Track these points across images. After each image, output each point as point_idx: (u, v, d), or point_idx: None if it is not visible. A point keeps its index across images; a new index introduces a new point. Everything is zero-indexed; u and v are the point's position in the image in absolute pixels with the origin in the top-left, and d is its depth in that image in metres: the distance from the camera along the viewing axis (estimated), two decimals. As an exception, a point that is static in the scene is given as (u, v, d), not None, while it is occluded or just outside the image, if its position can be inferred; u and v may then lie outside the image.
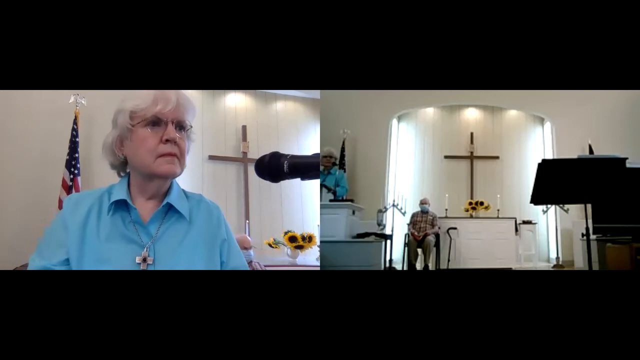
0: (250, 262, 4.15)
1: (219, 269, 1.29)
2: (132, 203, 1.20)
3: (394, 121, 6.68)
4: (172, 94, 1.18)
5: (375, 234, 4.41)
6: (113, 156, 1.22)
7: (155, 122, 1.16)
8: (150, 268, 1.17)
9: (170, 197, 1.24)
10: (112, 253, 1.16)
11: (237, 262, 1.34)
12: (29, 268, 1.16)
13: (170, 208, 1.24)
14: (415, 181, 6.69)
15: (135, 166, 1.21)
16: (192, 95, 6.14)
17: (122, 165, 1.25)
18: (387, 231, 5.18)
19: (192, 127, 1.23)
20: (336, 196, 4.33)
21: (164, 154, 1.16)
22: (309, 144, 6.08)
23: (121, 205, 1.20)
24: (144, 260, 1.16)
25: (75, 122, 4.19)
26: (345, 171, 5.84)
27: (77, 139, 4.17)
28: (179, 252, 1.21)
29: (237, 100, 5.98)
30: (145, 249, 1.17)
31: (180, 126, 1.19)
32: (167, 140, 1.16)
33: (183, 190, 1.32)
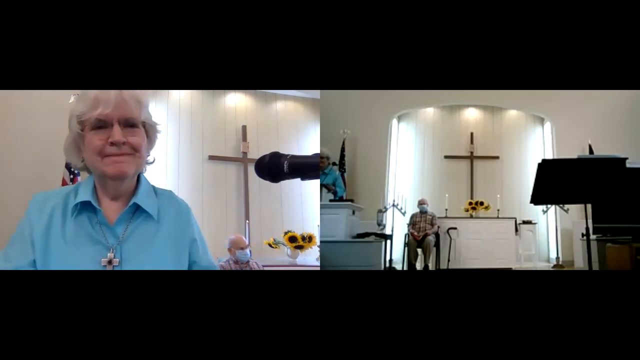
0: (247, 262, 4.16)
1: (186, 269, 1.25)
2: (98, 203, 1.17)
3: (394, 121, 6.68)
4: (112, 92, 1.11)
5: (375, 234, 4.41)
6: (74, 160, 1.19)
7: (101, 125, 1.11)
8: (117, 270, 1.14)
9: (138, 196, 1.19)
10: (78, 255, 1.12)
11: (209, 262, 1.31)
12: None
13: (138, 208, 1.20)
14: (415, 181, 6.69)
15: (89, 168, 1.18)
16: (193, 96, 6.11)
17: (86, 167, 1.20)
18: (387, 231, 5.18)
19: (145, 121, 1.18)
20: (335, 196, 4.33)
21: (109, 155, 1.12)
22: (309, 144, 6.09)
23: (87, 206, 1.16)
24: (110, 262, 1.13)
25: (75, 122, 4.18)
26: (345, 171, 5.84)
27: (77, 139, 4.17)
28: (147, 253, 1.17)
29: (237, 100, 5.98)
30: (111, 250, 1.14)
31: (130, 124, 1.14)
32: (112, 143, 1.11)
33: (153, 187, 1.27)
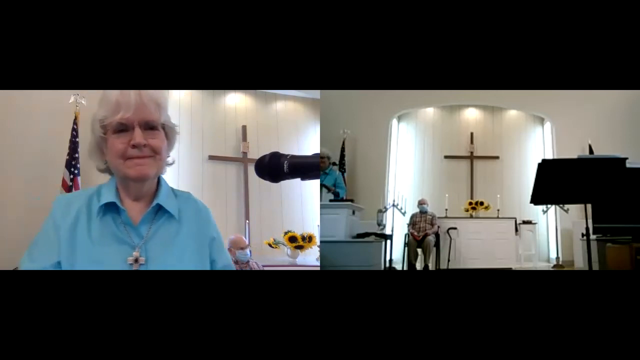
0: (247, 262, 4.16)
1: (208, 267, 1.28)
2: (121, 204, 1.20)
3: (394, 121, 6.68)
4: (132, 95, 1.14)
5: (375, 234, 4.41)
6: (97, 162, 1.23)
7: (122, 128, 1.15)
8: (143, 268, 1.17)
9: (160, 197, 1.23)
10: (104, 255, 1.15)
11: (227, 261, 1.34)
12: (20, 269, 1.15)
13: (160, 208, 1.23)
14: (415, 181, 6.70)
15: (112, 170, 1.22)
16: (193, 96, 6.10)
17: (108, 169, 1.24)
18: (387, 231, 5.18)
19: (165, 123, 1.21)
20: (337, 197, 4.34)
21: (131, 157, 1.15)
22: (309, 144, 6.09)
23: (111, 207, 1.20)
24: (136, 260, 1.16)
25: (75, 122, 4.19)
26: (345, 171, 5.85)
27: (77, 139, 4.17)
28: (170, 252, 1.21)
29: (237, 100, 5.99)
30: (137, 249, 1.17)
31: (150, 126, 1.17)
32: (134, 146, 1.14)
33: (172, 189, 1.31)
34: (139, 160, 1.15)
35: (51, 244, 1.15)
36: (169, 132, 1.23)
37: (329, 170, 4.47)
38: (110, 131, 1.15)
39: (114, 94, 1.15)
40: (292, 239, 5.23)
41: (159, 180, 1.27)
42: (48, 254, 1.15)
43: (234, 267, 1.38)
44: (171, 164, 1.28)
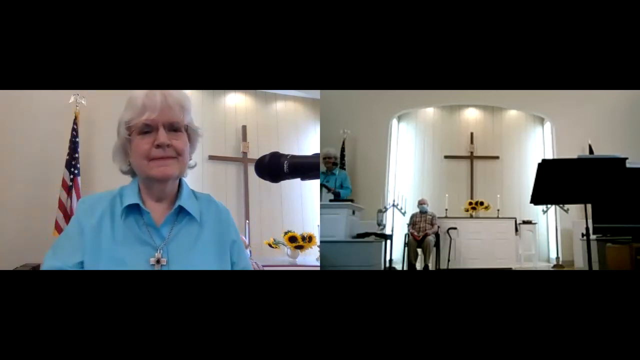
0: (248, 262, 4.15)
1: (229, 268, 1.31)
2: (144, 206, 1.22)
3: (394, 121, 6.68)
4: (158, 97, 1.18)
5: (375, 234, 4.41)
6: (121, 163, 1.26)
7: (147, 130, 1.18)
8: (165, 269, 1.19)
9: (182, 199, 1.26)
10: (127, 255, 1.18)
11: (246, 262, 1.37)
12: (43, 267, 1.18)
13: (181, 210, 1.26)
14: (415, 181, 6.69)
15: (135, 171, 1.24)
16: (192, 96, 6.08)
17: (131, 171, 1.27)
18: (387, 231, 5.18)
19: (188, 125, 1.23)
20: (341, 197, 4.34)
21: (155, 158, 1.18)
22: (309, 144, 6.08)
23: (134, 209, 1.22)
24: (158, 261, 1.18)
25: (75, 122, 4.19)
26: (345, 171, 5.85)
27: (77, 139, 4.17)
28: (192, 253, 1.23)
29: (237, 100, 5.98)
30: (159, 250, 1.19)
31: (174, 128, 1.20)
32: (158, 146, 1.17)
33: (192, 191, 1.33)
34: (162, 162, 1.18)
35: (75, 243, 1.18)
36: (191, 134, 1.26)
37: (336, 170, 4.47)
38: (136, 132, 1.18)
39: (140, 97, 1.18)
40: (292, 239, 5.23)
41: (180, 183, 1.29)
42: (71, 253, 1.17)
43: (251, 269, 1.39)
44: (193, 166, 1.31)
